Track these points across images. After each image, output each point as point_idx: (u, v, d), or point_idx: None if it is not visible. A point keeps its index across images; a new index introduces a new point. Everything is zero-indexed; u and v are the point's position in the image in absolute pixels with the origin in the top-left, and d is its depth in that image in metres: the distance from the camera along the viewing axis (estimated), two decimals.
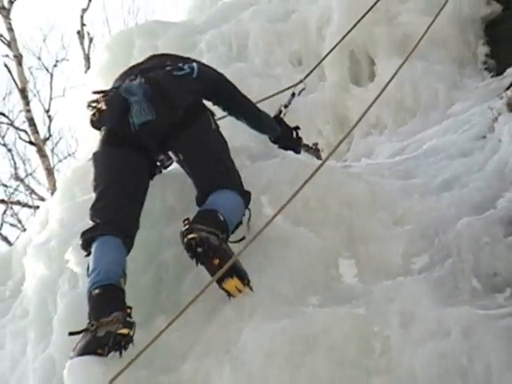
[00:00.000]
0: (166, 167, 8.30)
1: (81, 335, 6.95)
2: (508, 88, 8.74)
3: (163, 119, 7.71)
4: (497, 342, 6.78)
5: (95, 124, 8.11)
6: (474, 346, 6.74)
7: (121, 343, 6.85)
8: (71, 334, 6.99)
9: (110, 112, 7.87)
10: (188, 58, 8.53)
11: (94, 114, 8.03)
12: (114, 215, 7.43)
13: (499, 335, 6.84)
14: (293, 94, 9.69)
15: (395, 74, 9.68)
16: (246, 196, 7.67)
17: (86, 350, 6.83)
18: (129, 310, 7.02)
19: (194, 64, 8.15)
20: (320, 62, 10.41)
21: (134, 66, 8.61)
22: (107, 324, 6.83)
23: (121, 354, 6.92)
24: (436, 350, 6.68)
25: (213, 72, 8.50)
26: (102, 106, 7.89)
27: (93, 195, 7.75)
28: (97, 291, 7.02)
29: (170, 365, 6.80)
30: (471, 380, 6.65)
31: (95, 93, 8.13)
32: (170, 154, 8.11)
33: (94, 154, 7.97)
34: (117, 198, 7.54)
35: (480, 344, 6.76)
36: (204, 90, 8.14)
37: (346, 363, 6.66)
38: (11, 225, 24.77)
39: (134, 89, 7.71)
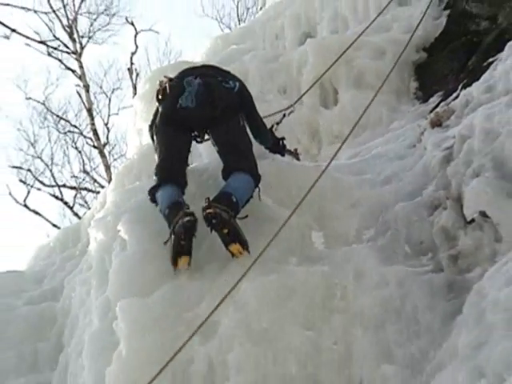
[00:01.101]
0: (200, 142, 8.43)
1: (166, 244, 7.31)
2: (431, 112, 8.71)
3: (202, 111, 7.84)
4: (421, 290, 6.85)
5: (159, 99, 8.23)
6: (405, 293, 6.81)
7: (190, 227, 7.13)
8: (165, 242, 7.31)
9: (169, 95, 8.03)
10: (234, 76, 8.59)
11: (160, 91, 8.18)
12: (168, 173, 7.79)
13: (423, 285, 6.91)
14: (284, 115, 9.68)
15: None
16: (256, 178, 7.68)
17: (179, 241, 7.12)
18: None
19: (237, 83, 8.27)
20: (304, 94, 10.46)
21: (192, 68, 8.64)
22: (177, 220, 7.14)
23: (193, 235, 7.22)
24: (379, 296, 6.76)
25: (247, 93, 8.51)
26: (167, 88, 8.05)
27: (156, 157, 8.18)
28: (167, 210, 7.35)
29: (192, 305, 6.78)
30: (403, 317, 6.66)
31: (166, 77, 8.28)
32: (208, 135, 8.28)
33: (155, 127, 8.28)
34: (170, 161, 7.92)
35: (409, 292, 6.81)
36: (238, 102, 8.19)
37: (316, 305, 6.77)
38: (80, 205, 24.67)
39: (192, 83, 7.89)
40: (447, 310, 6.55)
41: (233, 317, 6.54)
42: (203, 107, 7.78)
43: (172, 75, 8.34)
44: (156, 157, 8.21)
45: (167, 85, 8.03)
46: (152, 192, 7.67)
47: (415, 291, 6.86)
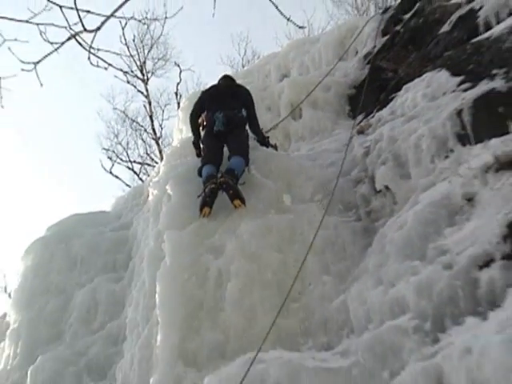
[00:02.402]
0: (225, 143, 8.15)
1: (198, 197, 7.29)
2: (357, 125, 8.65)
3: (226, 130, 7.85)
4: (348, 231, 6.96)
5: (202, 125, 8.38)
6: (338, 233, 6.91)
7: (213, 190, 7.19)
8: (198, 196, 7.31)
9: (208, 124, 8.11)
10: (245, 90, 8.62)
11: (201, 124, 8.40)
12: (210, 159, 7.75)
13: (349, 229, 6.97)
14: (272, 127, 9.62)
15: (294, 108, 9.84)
16: (247, 159, 7.70)
17: (204, 199, 7.22)
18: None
19: (243, 111, 8.25)
20: (288, 115, 10.45)
21: (218, 96, 8.43)
22: (208, 185, 7.22)
23: (215, 196, 7.27)
24: (323, 234, 6.75)
25: (251, 101, 8.44)
26: (204, 120, 8.27)
27: (203, 153, 8.16)
28: (205, 179, 7.33)
29: (209, 236, 6.84)
30: (336, 247, 6.76)
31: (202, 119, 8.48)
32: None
33: (203, 137, 8.35)
34: (211, 154, 7.89)
35: (341, 232, 6.88)
36: (245, 121, 8.28)
37: (285, 239, 6.81)
38: (143, 173, 24.55)
39: (219, 117, 7.92)
40: (363, 243, 6.63)
41: (234, 243, 6.58)
42: (226, 128, 7.84)
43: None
44: (194, 147, 8.49)
45: (206, 121, 8.23)
46: (199, 170, 7.62)
47: (344, 232, 6.92)
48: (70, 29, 3.05)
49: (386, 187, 6.91)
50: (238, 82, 9.08)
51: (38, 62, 3.20)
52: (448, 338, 4.71)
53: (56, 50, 3.12)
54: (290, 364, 5.02)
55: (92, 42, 3.28)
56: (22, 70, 3.25)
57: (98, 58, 3.52)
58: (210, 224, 7.06)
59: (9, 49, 3.33)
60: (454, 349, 4.50)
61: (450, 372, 4.40)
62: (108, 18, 3.08)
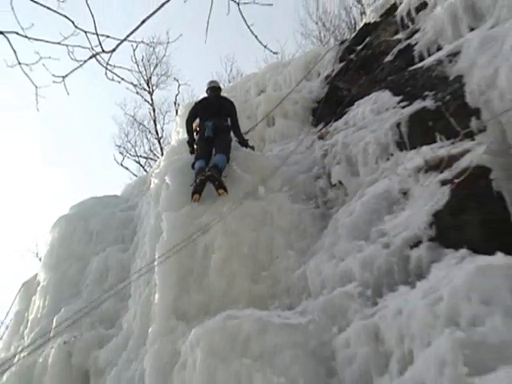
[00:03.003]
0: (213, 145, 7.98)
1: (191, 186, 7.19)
2: (319, 131, 8.64)
3: (214, 136, 7.76)
4: (309, 217, 6.96)
5: (196, 131, 8.23)
6: (301, 218, 6.91)
7: (202, 181, 7.09)
8: (190, 185, 7.21)
9: (201, 131, 8.00)
10: (231, 103, 8.43)
11: (195, 129, 8.23)
12: (201, 156, 7.56)
13: (309, 215, 6.99)
14: (249, 130, 9.56)
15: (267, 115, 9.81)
16: (228, 157, 7.60)
17: (195, 187, 7.12)
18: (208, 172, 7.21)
19: (228, 120, 8.21)
20: (261, 120, 10.35)
21: (208, 107, 8.31)
22: (198, 177, 7.14)
23: (204, 185, 7.19)
24: (288, 218, 6.78)
25: (234, 111, 8.30)
26: (197, 127, 8.20)
27: (196, 152, 7.88)
28: (197, 171, 7.27)
29: (198, 217, 6.75)
30: (299, 229, 6.73)
31: (195, 126, 8.37)
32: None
33: (197, 141, 8.10)
34: (202, 153, 7.67)
35: (303, 217, 6.90)
36: (229, 128, 8.18)
37: (258, 221, 6.81)
38: (148, 166, 24.33)
39: (208, 126, 7.84)
40: (320, 226, 6.62)
41: (218, 223, 6.52)
42: (214, 134, 7.75)
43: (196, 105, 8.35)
44: (188, 146, 8.21)
45: (198, 128, 8.13)
46: (192, 164, 7.52)
47: (306, 217, 6.90)
48: (92, 49, 3.13)
49: (340, 182, 6.91)
50: (225, 95, 8.95)
51: (65, 76, 3.30)
52: (384, 302, 4.76)
53: (80, 66, 3.21)
54: (260, 320, 5.03)
55: (108, 60, 3.37)
56: (54, 82, 3.33)
57: (113, 73, 3.56)
58: (199, 207, 6.98)
59: (43, 65, 3.44)
60: (389, 311, 4.55)
61: (384, 329, 4.45)
62: (122, 41, 3.11)
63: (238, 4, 2.97)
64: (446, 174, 5.49)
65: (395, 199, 5.73)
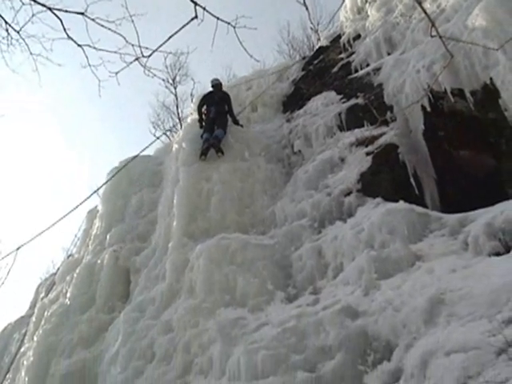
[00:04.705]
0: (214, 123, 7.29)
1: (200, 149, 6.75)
2: (288, 116, 8.31)
3: (216, 116, 7.25)
4: (279, 174, 6.67)
5: (204, 113, 7.52)
6: (271, 175, 6.65)
7: (207, 147, 6.71)
8: (200, 149, 6.74)
9: (207, 113, 7.45)
10: (227, 95, 7.75)
11: (204, 112, 7.53)
12: (207, 130, 7.02)
13: (280, 173, 6.70)
14: (239, 113, 9.17)
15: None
16: (225, 131, 7.13)
17: (202, 151, 6.69)
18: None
19: (226, 107, 7.55)
20: (247, 106, 9.81)
21: (212, 97, 7.61)
22: (205, 144, 6.73)
23: (208, 149, 6.70)
24: (265, 174, 6.57)
25: (229, 100, 7.72)
26: (205, 111, 7.51)
27: (204, 127, 7.22)
28: (204, 139, 6.85)
29: (206, 172, 6.46)
30: (271, 183, 6.56)
31: (203, 110, 7.61)
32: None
33: (205, 120, 7.42)
34: (208, 128, 7.08)
35: (273, 175, 6.64)
36: (227, 111, 7.54)
37: (245, 176, 6.51)
38: (172, 136, 23.65)
39: (212, 110, 7.33)
40: (285, 180, 6.37)
41: (216, 176, 6.30)
42: (216, 116, 7.22)
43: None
44: (199, 123, 7.47)
45: (206, 111, 7.50)
46: (201, 135, 7.00)
47: (276, 174, 6.57)
48: (136, 55, 3.20)
49: (299, 151, 6.74)
50: (224, 89, 8.52)
51: (117, 72, 3.30)
52: (326, 231, 4.76)
53: (128, 65, 3.21)
54: (243, 240, 5.00)
55: (146, 63, 3.37)
56: (110, 76, 3.35)
57: (149, 71, 3.55)
58: (205, 164, 6.68)
59: (104, 66, 3.63)
60: (328, 237, 4.55)
61: (325, 248, 4.47)
62: (154, 51, 3.09)
63: (234, 27, 2.96)
64: (370, 148, 5.47)
65: (336, 163, 5.66)
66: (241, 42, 3.22)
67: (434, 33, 3.08)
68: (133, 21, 3.40)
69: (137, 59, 3.32)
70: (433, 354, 2.52)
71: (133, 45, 3.32)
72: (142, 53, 3.28)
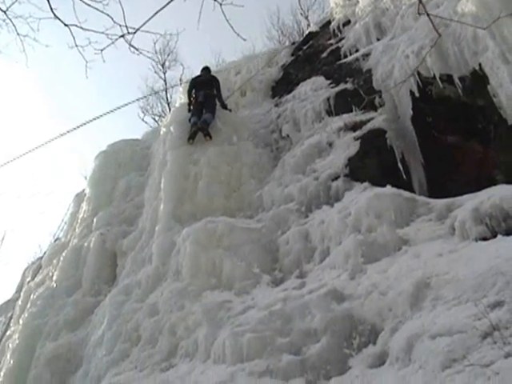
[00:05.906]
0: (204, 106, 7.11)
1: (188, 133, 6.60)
2: (276, 101, 8.15)
3: (204, 100, 7.04)
4: (267, 158, 6.55)
5: (193, 97, 7.31)
6: (259, 159, 6.52)
7: (195, 131, 6.55)
8: (188, 132, 6.60)
9: (195, 99, 7.24)
10: (216, 79, 7.57)
11: (192, 96, 7.33)
12: (195, 113, 6.82)
13: (268, 157, 6.60)
14: (228, 97, 8.93)
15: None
16: (214, 115, 6.93)
17: (190, 134, 6.56)
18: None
19: (214, 91, 7.34)
20: (236, 91, 9.60)
21: (201, 82, 7.46)
22: (193, 127, 6.59)
23: (196, 133, 6.54)
24: (252, 159, 6.43)
25: (218, 85, 7.52)
26: (194, 95, 7.31)
27: (192, 111, 7.04)
28: (192, 123, 6.69)
29: (194, 152, 6.34)
30: (259, 168, 6.44)
31: (192, 94, 7.41)
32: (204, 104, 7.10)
33: (193, 104, 7.23)
34: (196, 111, 6.89)
35: (261, 159, 6.51)
36: (215, 94, 7.31)
37: (232, 159, 6.36)
38: (160, 121, 23.25)
39: (201, 94, 7.11)
40: (273, 164, 6.22)
41: (204, 159, 6.15)
42: (205, 99, 7.01)
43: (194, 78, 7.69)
44: (187, 107, 7.26)
45: (194, 95, 7.28)
46: (189, 119, 6.80)
47: (264, 158, 6.40)
48: (122, 33, 3.19)
49: (287, 135, 6.61)
50: (213, 74, 8.32)
51: (103, 50, 3.32)
52: (313, 216, 4.68)
53: (113, 42, 3.20)
54: (230, 224, 4.89)
55: (131, 40, 3.30)
56: (95, 53, 3.36)
57: (134, 48, 3.55)
58: (192, 148, 6.52)
59: (91, 45, 3.55)
60: (315, 221, 4.48)
61: (312, 232, 4.40)
62: (140, 27, 3.09)
63: (221, 4, 2.86)
64: (358, 133, 5.38)
65: (324, 148, 5.56)
66: (227, 20, 3.12)
67: (421, 10, 2.96)
68: (119, 0, 3.36)
69: (122, 36, 3.27)
70: (418, 338, 2.47)
71: (120, 25, 3.29)
72: (127, 31, 3.24)
